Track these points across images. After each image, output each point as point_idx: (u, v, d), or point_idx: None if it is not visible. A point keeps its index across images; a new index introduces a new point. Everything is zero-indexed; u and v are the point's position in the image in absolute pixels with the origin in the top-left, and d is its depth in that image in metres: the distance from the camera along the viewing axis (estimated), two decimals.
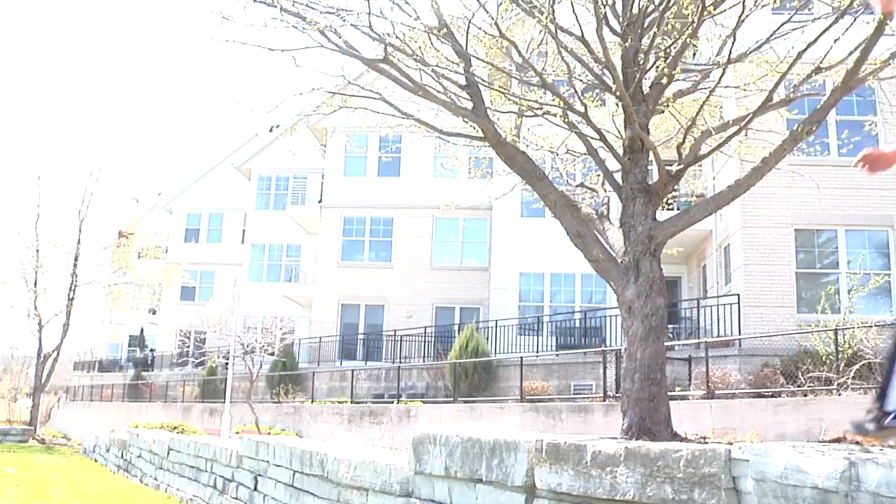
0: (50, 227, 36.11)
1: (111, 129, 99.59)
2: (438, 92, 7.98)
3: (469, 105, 7.97)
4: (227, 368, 24.19)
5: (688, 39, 7.14)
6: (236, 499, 9.75)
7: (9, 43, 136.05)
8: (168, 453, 13.52)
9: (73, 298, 35.48)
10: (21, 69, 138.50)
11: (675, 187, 13.27)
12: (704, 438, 7.75)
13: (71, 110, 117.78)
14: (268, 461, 8.79)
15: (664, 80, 7.48)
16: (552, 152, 10.10)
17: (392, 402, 19.91)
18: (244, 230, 40.78)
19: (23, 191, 35.87)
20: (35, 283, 35.38)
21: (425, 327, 27.08)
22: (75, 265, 35.63)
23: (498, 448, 4.75)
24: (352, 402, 21.08)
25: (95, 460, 21.32)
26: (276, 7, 7.54)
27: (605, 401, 15.17)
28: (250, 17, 7.66)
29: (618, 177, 7.74)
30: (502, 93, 8.53)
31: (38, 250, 35.43)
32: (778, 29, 7.87)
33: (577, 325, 24.74)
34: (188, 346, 40.38)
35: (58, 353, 36.45)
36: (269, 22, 7.75)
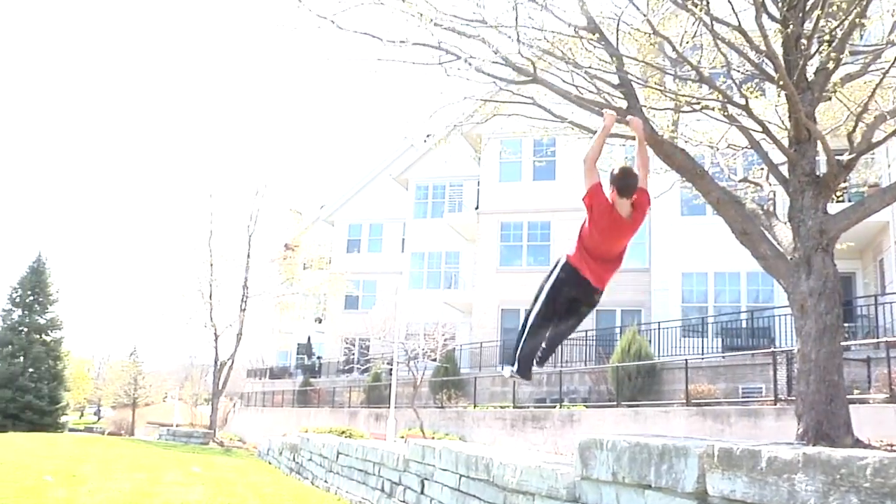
0: (222, 243, 37.98)
1: (276, 147, 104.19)
2: (591, 93, 7.88)
3: (623, 104, 7.83)
4: (391, 374, 24.72)
5: (855, 19, 6.74)
6: (403, 502, 9.92)
7: (183, 71, 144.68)
8: (337, 457, 13.92)
9: (244, 309, 37.13)
10: (194, 95, 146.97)
11: (846, 178, 12.56)
12: (892, 446, 7.30)
13: (239, 130, 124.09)
14: (434, 465, 8.90)
15: (830, 65, 7.10)
16: (712, 147, 9.78)
17: (554, 407, 19.80)
18: (403, 239, 41.61)
19: (197, 209, 37.72)
20: (210, 296, 37.22)
21: (586, 331, 26.75)
22: (246, 278, 37.30)
23: (667, 453, 4.63)
24: (514, 407, 21.10)
25: (269, 462, 22.21)
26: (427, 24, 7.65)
27: (776, 404, 14.55)
28: (401, 33, 7.82)
29: (783, 169, 7.41)
30: (657, 89, 8.33)
31: (212, 265, 37.28)
32: None
33: (744, 325, 23.87)
34: (353, 354, 41.57)
35: (232, 362, 38.22)
36: (416, 37, 7.87)
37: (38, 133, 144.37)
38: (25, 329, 49.10)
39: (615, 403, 19.03)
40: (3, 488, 10.36)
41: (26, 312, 49.71)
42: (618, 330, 26.08)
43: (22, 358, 47.46)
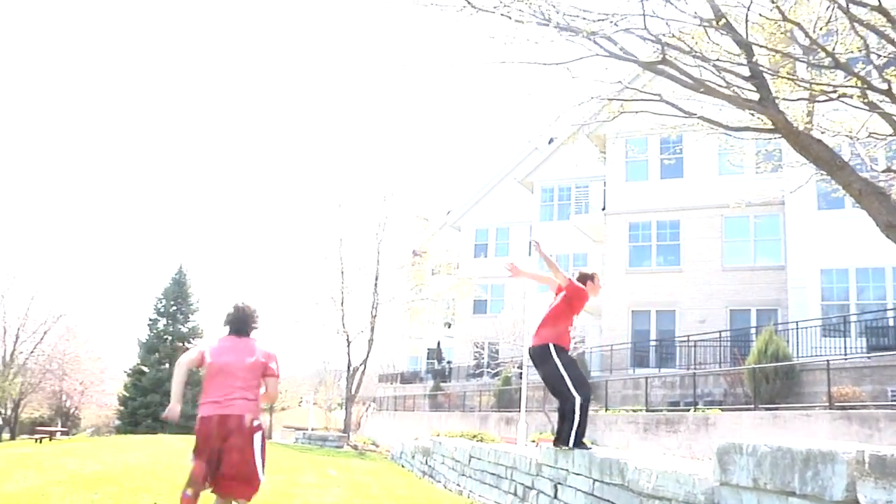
0: (352, 251, 38.70)
1: (402, 154, 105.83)
2: (720, 86, 7.64)
3: (755, 96, 7.56)
4: (521, 378, 24.65)
5: None
6: None
7: (315, 84, 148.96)
8: (469, 461, 13.97)
9: (375, 315, 37.69)
10: (325, 108, 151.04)
11: None
12: None
13: (366, 139, 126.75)
14: (567, 470, 8.83)
15: None
16: (851, 137, 9.33)
17: (688, 410, 19.30)
18: (530, 242, 41.43)
19: (327, 219, 38.52)
20: (342, 303, 37.94)
21: (720, 331, 26.00)
22: (376, 284, 37.85)
23: (812, 459, 4.42)
24: (647, 411, 20.69)
25: (402, 466, 22.49)
26: (548, 25, 7.60)
27: None
28: (527, 35, 7.78)
29: None
30: (790, 79, 8.01)
31: (342, 272, 38.01)
32: None
33: (891, 323, 22.67)
34: (482, 357, 41.67)
35: (364, 367, 38.84)
36: (540, 39, 7.82)
37: (178, 151, 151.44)
38: (170, 337, 51.82)
39: (752, 406, 18.39)
40: (159, 485, 10.97)
41: (170, 321, 52.53)
42: (753, 330, 25.25)
43: (168, 364, 49.73)
